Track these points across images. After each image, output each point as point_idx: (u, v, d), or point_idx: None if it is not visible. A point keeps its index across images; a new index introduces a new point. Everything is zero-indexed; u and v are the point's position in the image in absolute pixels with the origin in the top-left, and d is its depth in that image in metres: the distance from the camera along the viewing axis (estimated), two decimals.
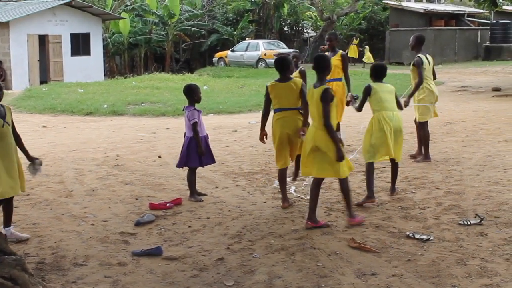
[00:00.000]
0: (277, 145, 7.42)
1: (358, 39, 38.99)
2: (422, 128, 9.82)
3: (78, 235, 6.55)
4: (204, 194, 8.09)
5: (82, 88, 23.81)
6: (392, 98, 7.68)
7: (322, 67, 6.80)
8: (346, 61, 10.64)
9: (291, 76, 7.63)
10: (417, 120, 9.94)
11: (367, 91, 7.64)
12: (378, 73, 7.74)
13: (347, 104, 10.12)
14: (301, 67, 10.44)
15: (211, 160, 8.14)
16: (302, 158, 6.92)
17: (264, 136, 7.72)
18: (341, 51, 10.73)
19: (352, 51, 37.14)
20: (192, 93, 7.94)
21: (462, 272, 5.32)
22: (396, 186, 8.05)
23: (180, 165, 8.09)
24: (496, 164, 9.50)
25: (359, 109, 7.89)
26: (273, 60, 35.22)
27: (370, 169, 7.63)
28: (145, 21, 39.72)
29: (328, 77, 10.40)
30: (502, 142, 11.40)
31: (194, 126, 7.79)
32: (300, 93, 7.24)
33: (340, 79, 10.59)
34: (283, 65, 7.43)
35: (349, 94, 10.30)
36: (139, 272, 5.49)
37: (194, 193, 7.96)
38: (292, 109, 7.31)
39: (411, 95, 9.56)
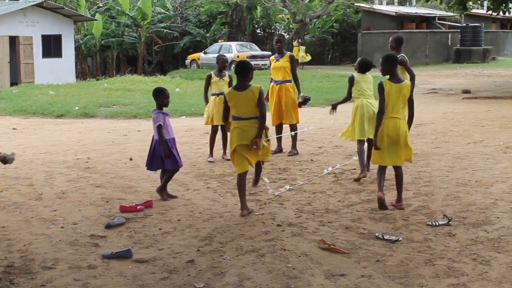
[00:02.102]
0: (232, 153, 7.22)
1: (298, 41, 39.34)
2: None
3: (47, 238, 6.50)
4: (175, 197, 8.10)
5: (53, 90, 23.65)
6: (370, 87, 8.86)
7: (395, 64, 7.44)
8: (294, 62, 10.81)
9: (249, 83, 7.12)
10: None
11: (351, 81, 8.97)
12: (362, 67, 9.04)
13: (300, 105, 10.41)
14: (228, 72, 10.62)
15: (179, 164, 8.13)
16: (383, 148, 7.36)
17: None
18: (289, 53, 10.87)
19: (297, 53, 37.62)
20: (157, 97, 7.98)
21: (430, 272, 5.38)
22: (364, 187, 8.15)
23: (158, 167, 8.08)
24: (465, 166, 9.63)
25: (349, 98, 9.18)
26: None
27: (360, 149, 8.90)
28: (117, 23, 39.56)
29: (279, 79, 10.62)
30: (471, 144, 11.57)
31: (159, 129, 7.81)
32: (258, 101, 6.97)
33: (290, 81, 10.71)
34: (242, 70, 7.05)
35: (301, 95, 10.52)
36: (109, 275, 5.46)
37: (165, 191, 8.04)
38: (249, 119, 7.02)
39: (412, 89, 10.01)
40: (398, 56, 9.97)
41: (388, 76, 7.40)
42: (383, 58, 7.44)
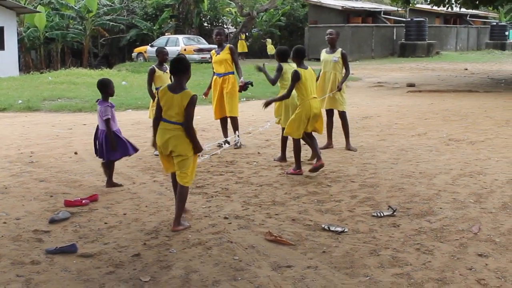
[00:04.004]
0: (160, 153, 6.57)
1: (245, 34, 39.64)
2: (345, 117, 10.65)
3: None
4: (120, 185, 8.20)
5: None
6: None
7: (302, 54, 8.72)
8: (235, 54, 10.76)
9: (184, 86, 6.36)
10: (340, 110, 10.58)
11: (280, 69, 9.05)
12: (282, 56, 9.18)
13: (240, 90, 10.45)
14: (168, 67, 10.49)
15: (133, 150, 8.29)
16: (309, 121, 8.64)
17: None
18: (228, 45, 10.82)
19: (241, 46, 38.33)
20: (106, 88, 8.04)
21: (375, 262, 5.45)
22: (310, 176, 8.23)
23: (107, 157, 8.15)
24: (409, 158, 9.79)
25: (274, 83, 9.24)
26: (193, 56, 35.07)
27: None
28: (62, 15, 38.92)
29: (222, 71, 10.56)
30: (415, 136, 11.77)
31: (107, 123, 7.88)
32: (185, 111, 6.21)
33: (232, 73, 10.67)
34: (178, 68, 6.37)
35: (241, 79, 10.49)
36: (53, 270, 5.37)
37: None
38: (174, 123, 6.27)
39: (343, 82, 10.39)
40: (341, 51, 10.33)
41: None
42: (294, 50, 8.76)
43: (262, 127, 10.98)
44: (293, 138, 8.86)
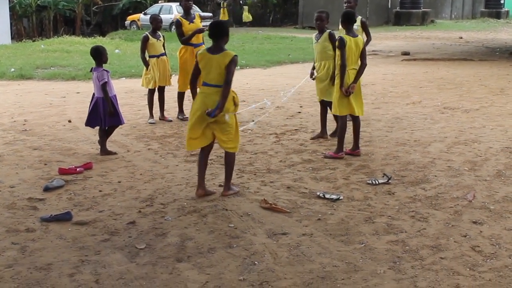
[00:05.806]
0: (192, 122, 6.30)
1: (225, 2, 39.53)
2: None
3: None
4: (115, 153, 8.22)
5: None
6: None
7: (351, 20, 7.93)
8: None
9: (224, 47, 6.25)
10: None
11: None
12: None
13: None
14: (161, 33, 10.36)
15: (121, 120, 8.28)
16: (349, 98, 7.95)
17: None
18: (197, 13, 10.53)
19: (223, 15, 38.19)
20: (100, 55, 8.06)
21: (370, 230, 5.47)
22: (308, 147, 8.19)
23: (97, 124, 8.20)
24: (404, 126, 9.79)
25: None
26: None
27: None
28: None
29: (195, 42, 10.15)
30: (410, 105, 11.76)
31: (104, 87, 7.92)
32: (226, 69, 6.11)
33: (203, 43, 10.17)
34: (217, 32, 6.23)
35: None
36: (48, 238, 5.37)
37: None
38: (215, 86, 6.17)
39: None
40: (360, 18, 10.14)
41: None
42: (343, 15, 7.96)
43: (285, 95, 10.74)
44: (337, 116, 8.19)
